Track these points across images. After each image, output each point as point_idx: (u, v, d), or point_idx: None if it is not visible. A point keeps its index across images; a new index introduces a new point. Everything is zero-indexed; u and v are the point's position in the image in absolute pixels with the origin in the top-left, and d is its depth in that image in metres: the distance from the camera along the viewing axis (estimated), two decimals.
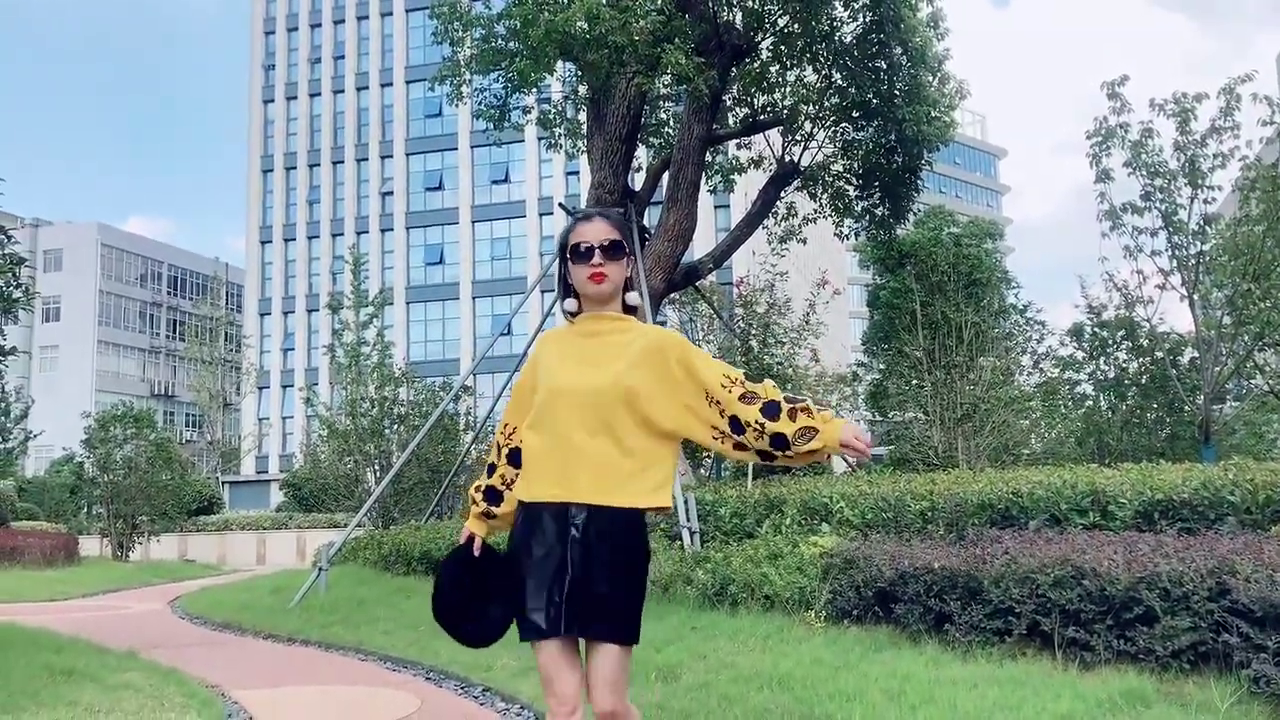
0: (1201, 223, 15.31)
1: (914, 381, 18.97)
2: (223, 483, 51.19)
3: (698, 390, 3.06)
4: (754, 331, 12.79)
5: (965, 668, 5.39)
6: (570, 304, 3.21)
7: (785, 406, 3.02)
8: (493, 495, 3.21)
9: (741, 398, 3.04)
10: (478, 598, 3.20)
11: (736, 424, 3.05)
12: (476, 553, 3.19)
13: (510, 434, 3.19)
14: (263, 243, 60.63)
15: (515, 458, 3.15)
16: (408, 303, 56.68)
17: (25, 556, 20.41)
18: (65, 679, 6.16)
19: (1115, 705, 4.53)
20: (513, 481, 3.15)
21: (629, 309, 3.20)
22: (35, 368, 64.95)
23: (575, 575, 2.92)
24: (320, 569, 12.33)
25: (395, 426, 20.19)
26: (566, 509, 2.97)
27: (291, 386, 56.84)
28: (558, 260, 3.23)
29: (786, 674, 5.58)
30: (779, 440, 3.01)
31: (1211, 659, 4.82)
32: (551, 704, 2.90)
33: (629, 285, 3.19)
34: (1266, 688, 4.37)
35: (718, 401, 3.06)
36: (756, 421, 3.02)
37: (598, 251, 3.10)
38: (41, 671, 6.26)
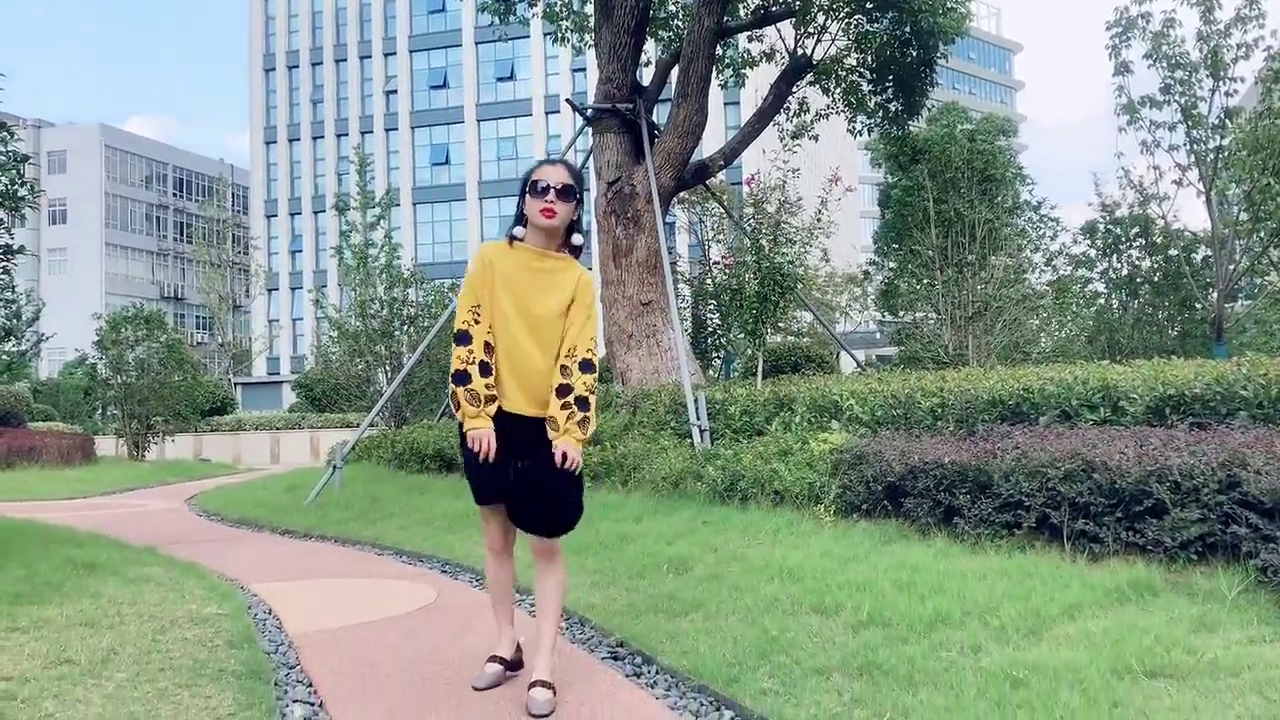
0: (1222, 116, 15.02)
1: (925, 280, 18.88)
2: (235, 384, 51.56)
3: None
4: (764, 231, 12.62)
5: (974, 560, 5.44)
6: (519, 231, 3.84)
7: (560, 400, 3.73)
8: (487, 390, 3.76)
9: (562, 369, 3.75)
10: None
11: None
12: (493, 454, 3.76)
13: (476, 310, 3.78)
14: (267, 143, 60.01)
15: (487, 368, 3.75)
16: (414, 204, 56.31)
17: (43, 456, 20.70)
18: (87, 572, 6.27)
19: (1123, 594, 4.58)
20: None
21: (574, 248, 3.90)
22: (44, 271, 64.98)
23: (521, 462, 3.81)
24: (335, 467, 12.46)
25: (405, 327, 20.20)
26: (510, 416, 3.78)
27: (300, 288, 56.90)
28: (519, 193, 3.86)
29: (796, 566, 5.65)
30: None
31: (1219, 550, 4.85)
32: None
33: (576, 227, 3.88)
34: (1274, 577, 4.41)
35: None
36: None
37: (553, 191, 3.76)
38: (64, 565, 6.37)
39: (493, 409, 3.72)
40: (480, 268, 3.82)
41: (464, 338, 3.76)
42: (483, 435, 3.68)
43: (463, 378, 3.70)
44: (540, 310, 3.76)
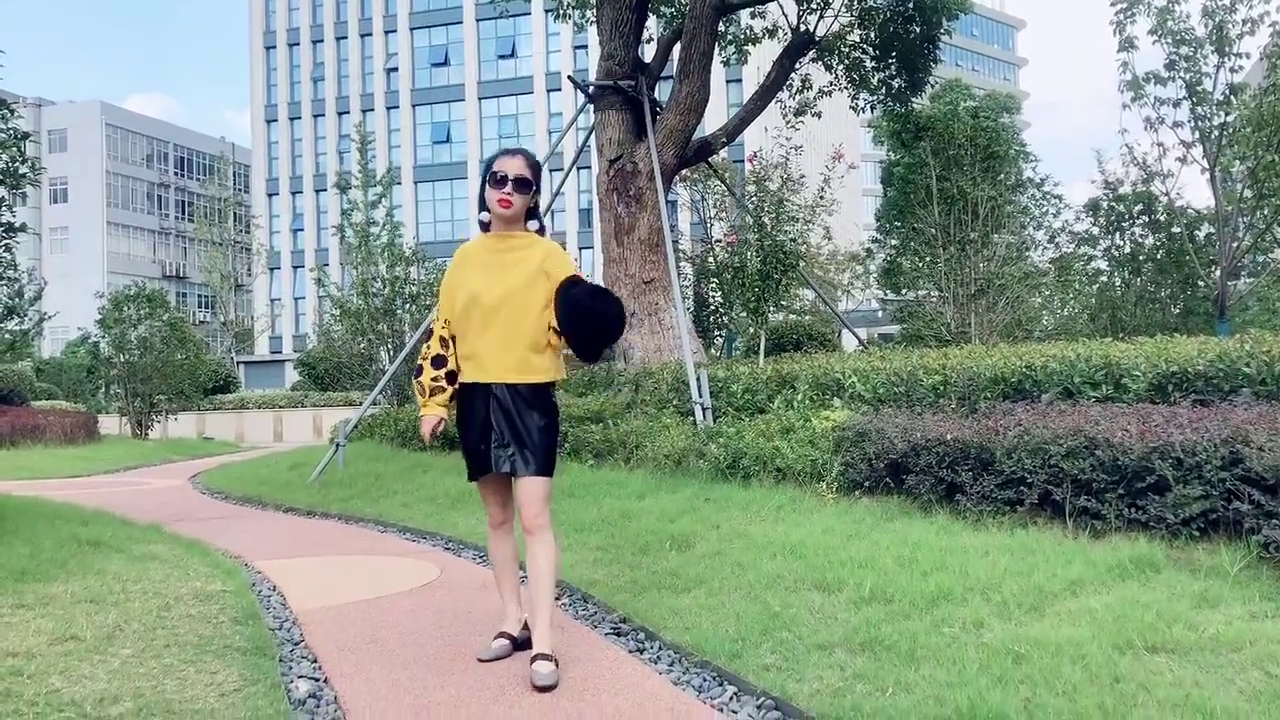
0: (1226, 92, 14.93)
1: (927, 258, 18.84)
2: (237, 363, 51.59)
3: (552, 289, 3.99)
4: (766, 209, 12.57)
5: (976, 536, 5.45)
6: (484, 216, 4.09)
7: None
8: (452, 377, 4.10)
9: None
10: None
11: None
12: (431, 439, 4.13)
13: (444, 325, 4.10)
14: (268, 121, 59.81)
15: (440, 361, 4.07)
16: (416, 182, 56.15)
17: (47, 435, 20.75)
18: (92, 549, 6.29)
19: (1125, 570, 4.59)
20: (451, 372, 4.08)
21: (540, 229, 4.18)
22: (46, 250, 64.91)
23: (498, 431, 3.98)
24: (338, 445, 12.47)
25: (407, 306, 20.17)
26: (489, 387, 3.99)
27: (302, 267, 56.84)
28: (481, 179, 4.10)
29: (799, 542, 5.66)
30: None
31: (1221, 526, 4.85)
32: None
33: (533, 215, 4.12)
34: (1276, 553, 4.41)
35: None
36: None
37: (510, 183, 4.00)
38: (69, 542, 6.39)
39: (442, 398, 4.07)
40: (454, 264, 4.16)
41: (429, 334, 4.17)
42: (428, 420, 4.08)
43: (419, 371, 4.10)
44: (501, 289, 3.97)
